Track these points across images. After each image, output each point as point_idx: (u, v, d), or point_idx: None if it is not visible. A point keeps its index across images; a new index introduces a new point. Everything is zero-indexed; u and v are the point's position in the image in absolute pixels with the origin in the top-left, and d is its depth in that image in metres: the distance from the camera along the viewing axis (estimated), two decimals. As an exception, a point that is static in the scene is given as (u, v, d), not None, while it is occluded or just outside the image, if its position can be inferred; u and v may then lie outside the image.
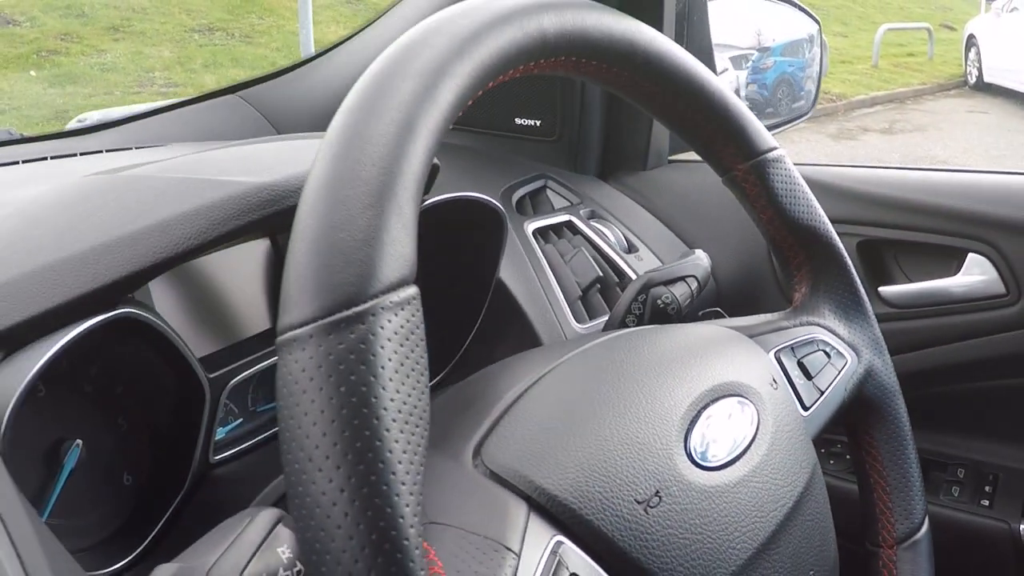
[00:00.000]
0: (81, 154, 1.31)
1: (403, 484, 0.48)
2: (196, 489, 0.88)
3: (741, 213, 0.90)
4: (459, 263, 1.09)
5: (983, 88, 14.95)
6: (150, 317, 0.79)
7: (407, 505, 0.48)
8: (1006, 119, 12.73)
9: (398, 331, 0.51)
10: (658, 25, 1.44)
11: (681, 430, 0.71)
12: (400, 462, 0.49)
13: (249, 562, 0.57)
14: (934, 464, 1.48)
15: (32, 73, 11.03)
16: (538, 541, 0.61)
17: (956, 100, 14.55)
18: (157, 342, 0.81)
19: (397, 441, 0.49)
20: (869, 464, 0.94)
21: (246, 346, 0.96)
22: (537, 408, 0.71)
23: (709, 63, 1.50)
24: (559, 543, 0.62)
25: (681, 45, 0.77)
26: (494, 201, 1.05)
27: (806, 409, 0.84)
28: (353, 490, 0.47)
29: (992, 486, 1.44)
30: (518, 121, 1.55)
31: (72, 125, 1.72)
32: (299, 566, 0.58)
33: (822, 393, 0.86)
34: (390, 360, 0.50)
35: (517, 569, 0.58)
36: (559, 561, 0.61)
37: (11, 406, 0.67)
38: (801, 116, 1.72)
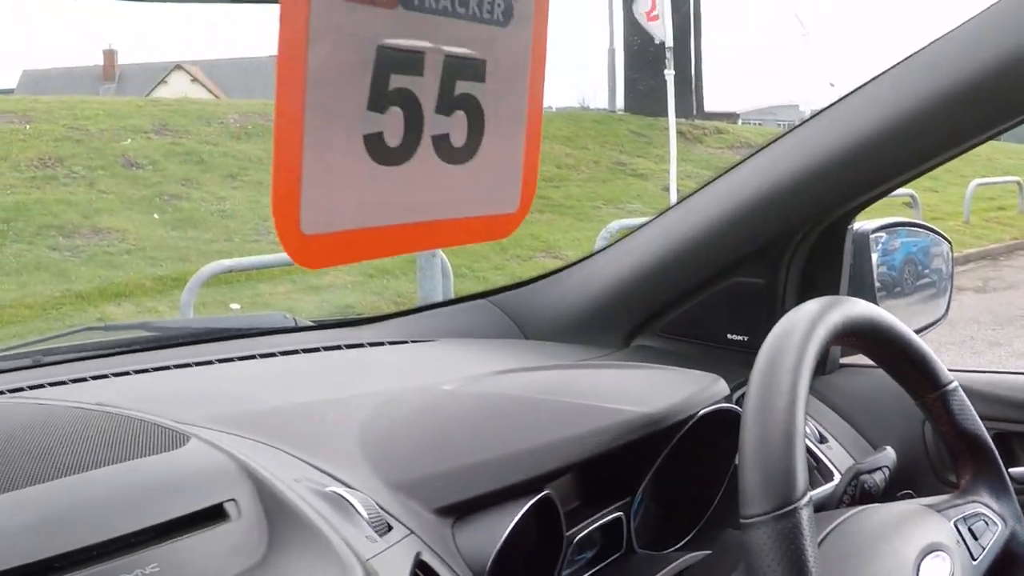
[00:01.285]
0: (369, 344, 1.60)
1: None
2: None
3: (899, 413, 1.45)
4: (709, 451, 1.42)
5: (1074, 241, 15.03)
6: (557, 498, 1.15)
7: None
8: (1104, 270, 12.77)
9: (808, 518, 0.93)
10: (838, 284, 1.74)
11: (914, 572, 1.10)
12: None
13: None
14: None
15: (155, 216, 11.55)
16: None
17: (1051, 254, 14.61)
18: (548, 510, 1.15)
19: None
20: None
21: (578, 512, 1.27)
22: (833, 554, 1.10)
23: (872, 295, 1.79)
24: None
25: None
26: (737, 408, 1.36)
27: (974, 560, 1.20)
28: None
29: None
30: (730, 336, 1.80)
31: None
32: None
33: (984, 549, 1.22)
34: (808, 535, 0.92)
35: None
36: None
37: (491, 561, 1.02)
38: (938, 320, 1.99)
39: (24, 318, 8.64)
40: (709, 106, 27.79)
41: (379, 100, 0.41)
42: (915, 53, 1.48)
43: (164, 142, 13.56)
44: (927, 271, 2.02)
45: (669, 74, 13.49)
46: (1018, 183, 18.17)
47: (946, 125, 1.46)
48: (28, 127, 13.26)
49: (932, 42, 1.46)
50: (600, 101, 28.21)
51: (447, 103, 0.45)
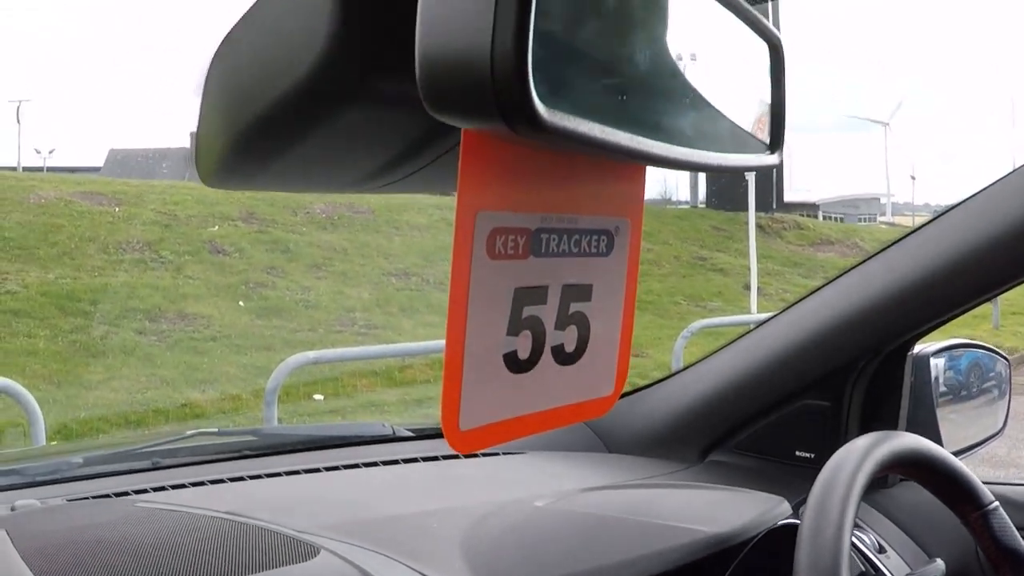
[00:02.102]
0: (464, 456, 1.73)
1: None
2: None
3: (952, 525, 1.46)
4: (773, 560, 1.50)
5: None
6: None
7: None
8: None
9: None
10: (899, 407, 1.84)
11: None
12: None
13: None
14: None
15: (241, 303, 11.83)
16: None
17: None
18: None
19: None
20: None
21: None
22: None
23: (932, 414, 1.88)
24: None
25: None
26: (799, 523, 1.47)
27: None
28: None
29: None
30: (798, 453, 1.91)
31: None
32: None
33: None
34: None
35: None
36: None
37: None
38: (995, 434, 2.08)
39: (109, 402, 8.85)
40: (789, 196, 27.79)
41: (514, 327, 0.56)
42: (969, 197, 1.61)
43: (251, 230, 13.90)
44: (992, 374, 2.13)
45: (749, 175, 13.63)
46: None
47: (999, 264, 1.58)
48: (118, 210, 13.64)
49: (982, 189, 1.60)
50: (683, 194, 28.54)
51: (563, 321, 0.59)
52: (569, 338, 0.61)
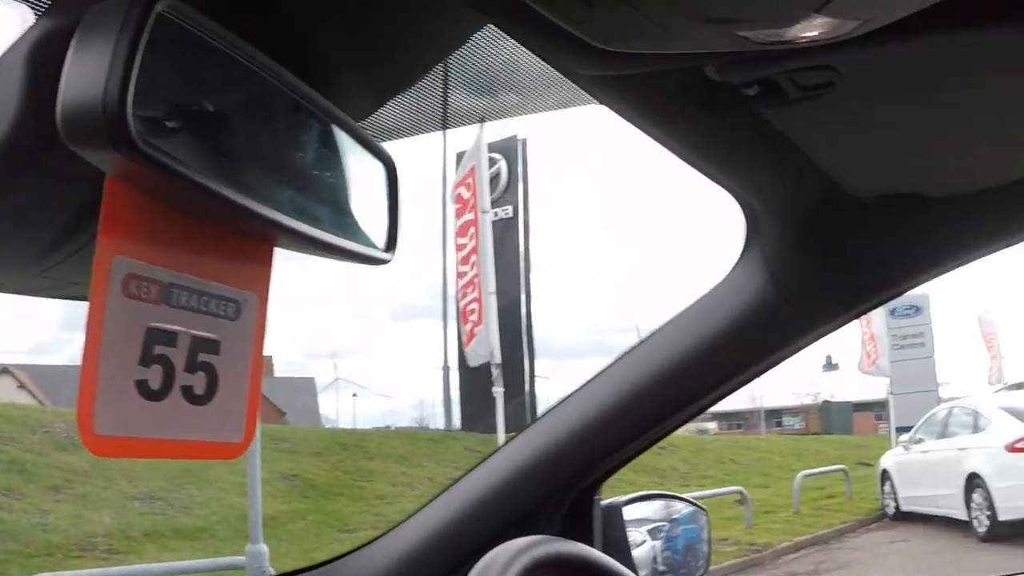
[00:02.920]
0: None
1: None
2: None
3: None
4: None
5: (901, 517, 15.77)
6: None
7: None
8: (925, 542, 13.46)
9: None
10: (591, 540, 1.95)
11: None
12: None
13: None
14: None
15: (-31, 525, 11.04)
16: None
17: (878, 533, 15.26)
18: None
19: None
20: None
21: None
22: None
23: (629, 564, 1.94)
24: None
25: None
26: None
27: None
28: None
29: None
30: None
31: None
32: None
33: None
34: None
35: None
36: None
37: None
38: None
39: None
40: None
41: (146, 359, 0.67)
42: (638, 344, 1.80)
43: (-15, 447, 13.14)
44: (691, 524, 2.27)
45: (498, 391, 13.79)
46: (845, 471, 18.95)
47: (643, 414, 1.77)
48: None
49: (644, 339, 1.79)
50: (439, 423, 28.86)
51: (192, 365, 0.71)
52: (198, 382, 0.73)
